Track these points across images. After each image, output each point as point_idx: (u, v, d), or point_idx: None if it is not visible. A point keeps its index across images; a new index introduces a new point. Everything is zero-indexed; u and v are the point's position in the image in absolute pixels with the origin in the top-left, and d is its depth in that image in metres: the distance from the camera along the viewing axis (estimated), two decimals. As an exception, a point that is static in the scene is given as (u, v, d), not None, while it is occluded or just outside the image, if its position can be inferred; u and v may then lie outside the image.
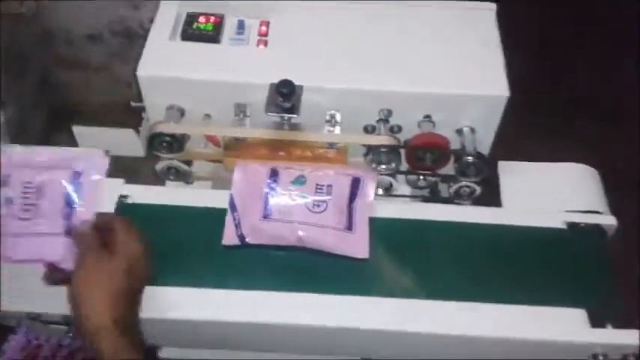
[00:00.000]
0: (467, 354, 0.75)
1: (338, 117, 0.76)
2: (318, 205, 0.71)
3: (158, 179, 0.83)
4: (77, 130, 0.79)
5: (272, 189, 0.72)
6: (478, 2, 0.83)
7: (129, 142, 0.81)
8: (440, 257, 0.73)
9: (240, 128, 0.76)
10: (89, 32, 1.41)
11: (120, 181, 0.73)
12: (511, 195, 0.81)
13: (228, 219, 0.71)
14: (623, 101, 1.68)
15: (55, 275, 0.65)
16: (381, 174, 0.79)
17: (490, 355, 0.72)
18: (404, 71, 0.76)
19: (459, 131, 0.77)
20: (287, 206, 0.71)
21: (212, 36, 0.79)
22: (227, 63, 0.77)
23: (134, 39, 1.41)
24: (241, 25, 0.81)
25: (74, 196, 0.67)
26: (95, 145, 0.77)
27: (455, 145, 0.77)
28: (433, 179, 0.84)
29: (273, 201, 0.71)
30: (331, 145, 0.75)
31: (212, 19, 0.80)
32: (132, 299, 0.61)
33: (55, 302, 0.66)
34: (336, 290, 0.68)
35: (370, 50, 0.79)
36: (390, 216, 0.73)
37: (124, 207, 0.72)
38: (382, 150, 0.74)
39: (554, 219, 0.76)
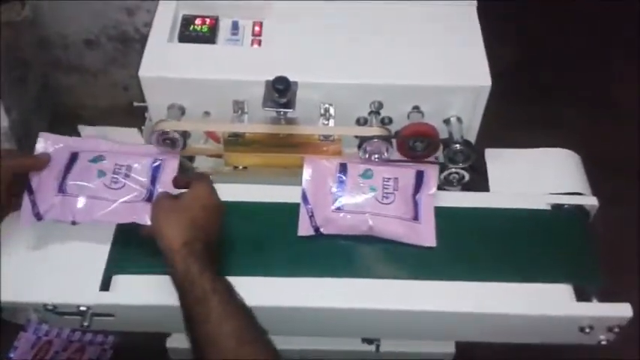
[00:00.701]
0: (462, 332, 0.78)
1: (332, 110, 0.77)
2: (387, 197, 0.75)
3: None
4: (83, 129, 0.81)
5: (342, 182, 0.76)
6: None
7: (132, 141, 0.83)
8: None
9: (239, 124, 0.78)
10: (86, 37, 1.43)
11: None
12: (498, 180, 0.84)
13: (302, 212, 0.75)
14: (605, 90, 1.72)
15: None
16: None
17: (483, 330, 0.75)
18: (393, 65, 0.78)
19: (447, 121, 0.79)
20: (358, 198, 0.75)
21: (208, 37, 0.81)
22: (224, 62, 0.79)
23: (130, 43, 1.43)
24: (235, 26, 0.83)
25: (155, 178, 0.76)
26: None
27: (443, 134, 0.79)
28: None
29: (344, 193, 0.75)
30: (326, 138, 0.77)
31: (207, 21, 0.82)
32: (202, 230, 0.65)
33: (70, 294, 0.70)
34: (406, 275, 0.72)
35: (360, 46, 0.80)
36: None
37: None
38: (374, 140, 0.76)
39: (540, 201, 0.79)
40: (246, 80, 0.77)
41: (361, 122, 0.80)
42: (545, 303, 0.71)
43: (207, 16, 0.83)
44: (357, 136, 0.78)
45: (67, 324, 0.75)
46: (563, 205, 0.79)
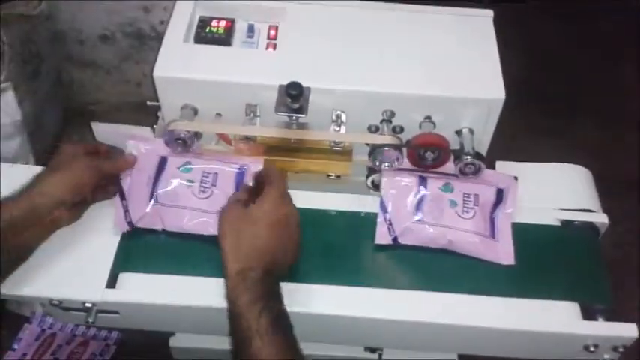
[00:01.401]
0: (465, 344, 0.78)
1: (343, 117, 0.77)
2: (467, 212, 0.75)
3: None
4: (95, 126, 0.82)
5: (423, 195, 0.76)
6: (476, 9, 0.85)
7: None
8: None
9: (251, 127, 0.78)
10: (101, 33, 1.44)
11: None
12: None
13: (380, 220, 0.75)
14: (620, 103, 1.71)
15: None
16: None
17: (488, 345, 0.75)
18: (406, 74, 0.78)
19: (459, 132, 0.79)
20: (438, 211, 0.75)
21: (224, 39, 0.81)
22: (238, 65, 0.79)
23: (145, 40, 1.43)
24: (251, 29, 0.83)
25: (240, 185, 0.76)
26: (112, 142, 0.81)
27: (454, 145, 0.79)
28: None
29: (425, 205, 0.75)
30: (337, 144, 0.78)
31: (223, 23, 0.82)
32: (264, 253, 0.63)
33: (77, 289, 0.70)
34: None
35: (374, 54, 0.80)
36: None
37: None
38: (385, 149, 0.76)
39: (549, 217, 0.79)
40: (260, 84, 0.77)
41: (373, 130, 0.80)
42: (551, 320, 0.71)
43: (224, 18, 0.83)
44: (367, 144, 0.77)
45: (72, 319, 0.75)
46: (573, 221, 0.79)
